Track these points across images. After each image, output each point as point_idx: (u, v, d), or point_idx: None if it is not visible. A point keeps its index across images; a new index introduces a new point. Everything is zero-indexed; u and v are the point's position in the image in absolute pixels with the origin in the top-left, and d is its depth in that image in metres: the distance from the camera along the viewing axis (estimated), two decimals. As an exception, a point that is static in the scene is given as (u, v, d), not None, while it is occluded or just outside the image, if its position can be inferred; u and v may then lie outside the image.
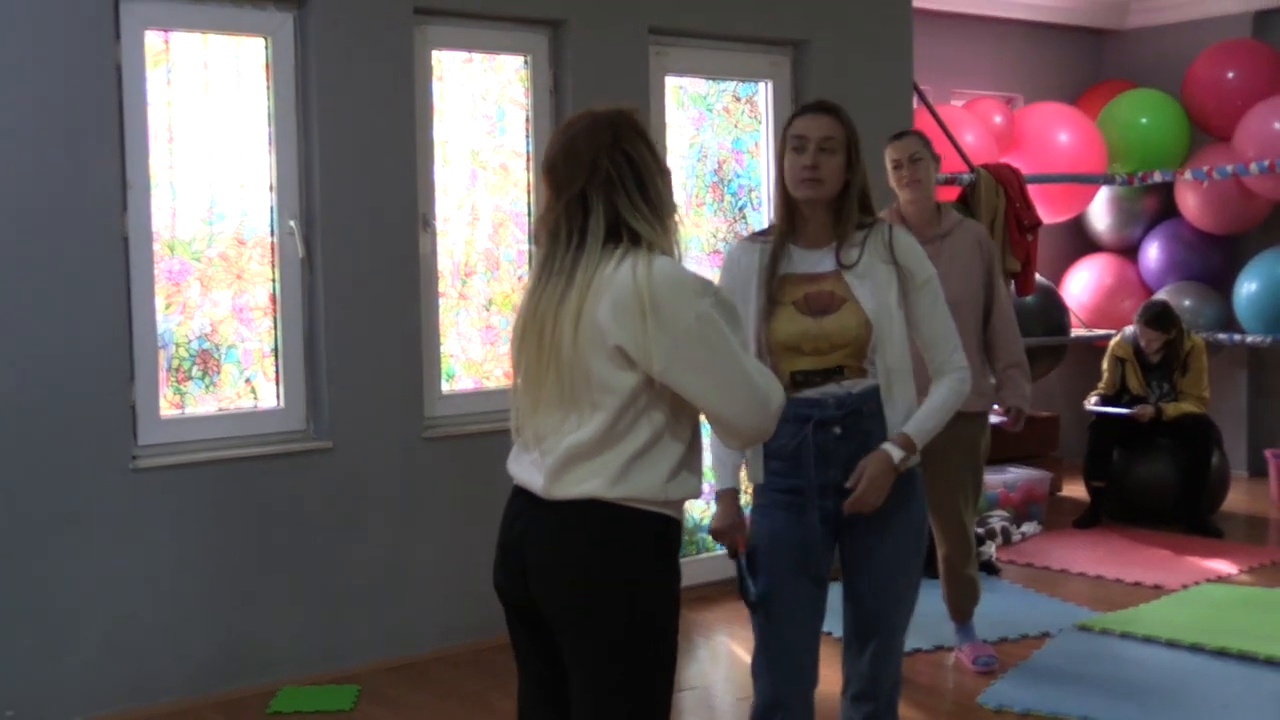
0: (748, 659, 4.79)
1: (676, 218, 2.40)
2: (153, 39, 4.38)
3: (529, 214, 5.14)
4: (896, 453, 2.94)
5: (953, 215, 4.45)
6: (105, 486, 4.23)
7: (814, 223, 3.01)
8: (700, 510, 5.52)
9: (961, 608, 4.66)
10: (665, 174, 2.41)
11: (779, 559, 3.02)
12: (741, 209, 5.79)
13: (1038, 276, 6.68)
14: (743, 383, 2.29)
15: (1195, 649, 4.71)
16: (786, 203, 3.04)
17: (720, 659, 4.92)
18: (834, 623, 3.13)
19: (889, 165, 4.40)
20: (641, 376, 2.27)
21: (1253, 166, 7.21)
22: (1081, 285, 8.35)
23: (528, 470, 2.39)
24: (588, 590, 2.30)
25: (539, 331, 2.32)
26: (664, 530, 2.35)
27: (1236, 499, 7.31)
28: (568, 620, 2.34)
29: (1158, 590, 5.61)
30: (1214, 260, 8.02)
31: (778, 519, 3.02)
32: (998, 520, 6.38)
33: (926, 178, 4.35)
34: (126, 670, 4.28)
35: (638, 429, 2.30)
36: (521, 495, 2.41)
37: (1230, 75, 7.71)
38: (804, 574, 3.03)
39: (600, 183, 2.32)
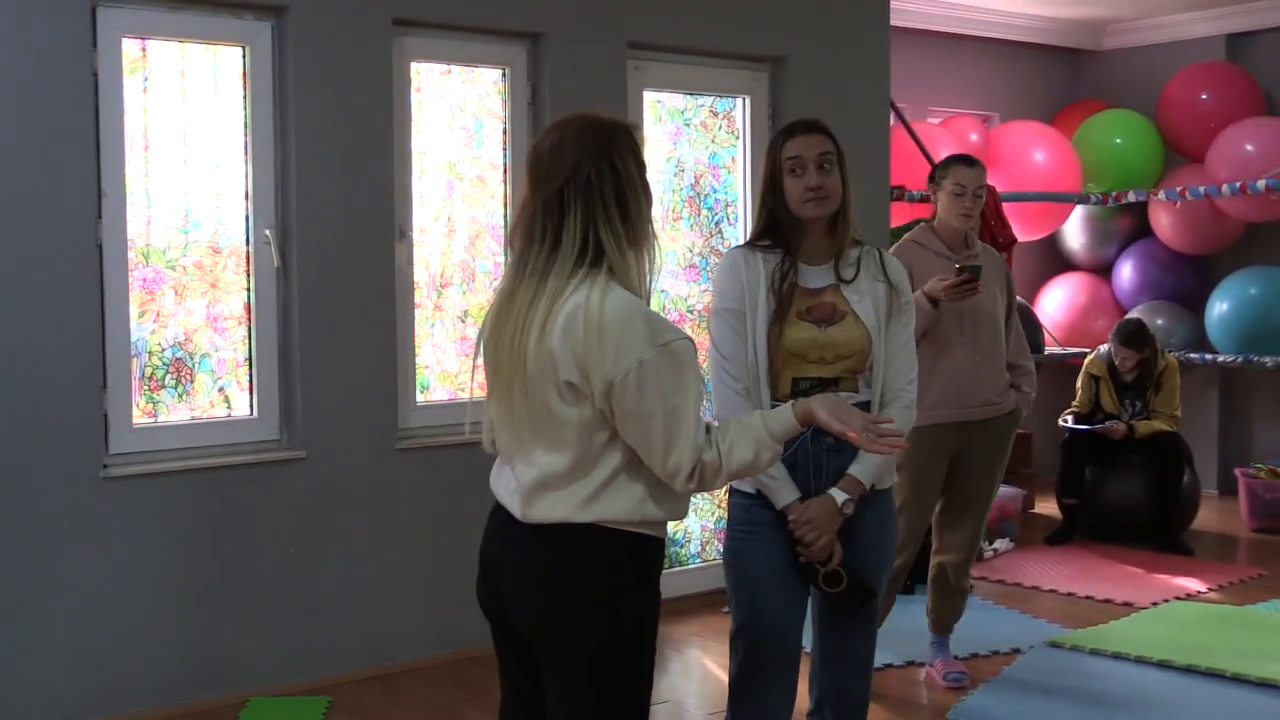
0: (720, 673, 4.84)
1: (653, 238, 2.34)
2: (130, 47, 4.37)
3: (505, 226, 5.14)
4: (840, 496, 2.95)
5: (978, 242, 4.61)
6: (76, 495, 4.20)
7: (812, 239, 3.01)
8: (672, 526, 5.51)
9: (945, 620, 4.67)
10: (649, 199, 2.35)
11: (781, 587, 3.00)
12: (718, 223, 5.81)
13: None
14: (661, 448, 2.23)
15: (1164, 666, 4.74)
16: (780, 221, 3.00)
17: (693, 673, 4.91)
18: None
19: (952, 188, 4.40)
20: (594, 408, 2.24)
21: (1225, 188, 7.28)
22: (1056, 304, 8.40)
23: (506, 491, 2.39)
24: (561, 609, 2.29)
25: (512, 332, 2.29)
26: (641, 550, 2.32)
27: (1207, 517, 7.35)
28: (543, 638, 2.33)
29: (1128, 607, 5.64)
30: (1186, 280, 8.08)
31: (773, 541, 2.98)
32: (970, 536, 6.40)
33: (978, 211, 4.52)
34: (95, 680, 4.25)
35: (607, 458, 2.28)
36: (501, 513, 2.41)
37: (1204, 97, 7.79)
38: (798, 598, 3.03)
39: (580, 186, 2.26)
